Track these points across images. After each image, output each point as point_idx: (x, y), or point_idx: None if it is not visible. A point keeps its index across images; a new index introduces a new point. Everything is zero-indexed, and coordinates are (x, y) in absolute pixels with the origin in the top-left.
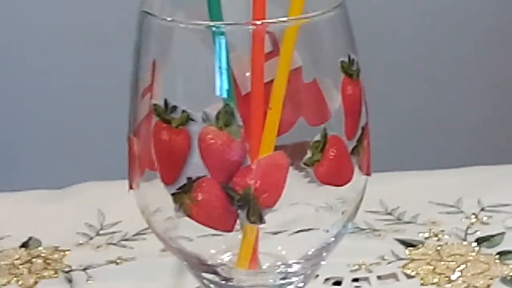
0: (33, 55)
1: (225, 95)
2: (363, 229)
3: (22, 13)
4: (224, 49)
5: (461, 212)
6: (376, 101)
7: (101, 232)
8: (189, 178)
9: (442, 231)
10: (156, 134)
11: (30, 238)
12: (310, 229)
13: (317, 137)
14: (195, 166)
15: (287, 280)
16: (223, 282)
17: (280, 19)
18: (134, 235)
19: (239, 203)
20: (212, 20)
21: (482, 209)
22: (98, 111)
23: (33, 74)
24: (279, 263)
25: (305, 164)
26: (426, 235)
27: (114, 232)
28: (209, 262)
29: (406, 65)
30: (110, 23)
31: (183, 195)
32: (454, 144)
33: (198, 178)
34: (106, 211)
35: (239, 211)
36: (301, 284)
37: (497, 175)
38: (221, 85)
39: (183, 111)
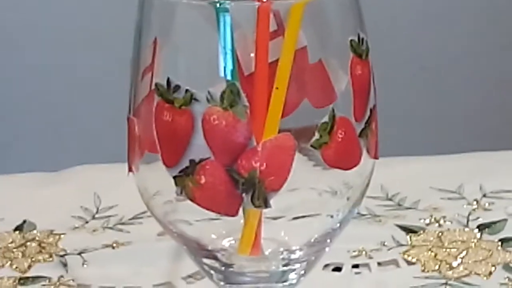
0: (23, 37)
1: (228, 76)
2: (363, 215)
3: None
4: (228, 27)
5: (463, 198)
6: (377, 87)
7: (97, 215)
8: (192, 161)
9: (444, 217)
10: (158, 114)
11: (24, 222)
12: (313, 214)
13: (325, 119)
14: (199, 148)
15: (289, 267)
16: (224, 268)
17: None
18: (130, 219)
19: (243, 186)
20: None
21: (484, 195)
22: (93, 95)
23: (24, 56)
24: (281, 249)
25: (312, 146)
26: (427, 221)
27: (110, 216)
28: (210, 247)
29: (407, 51)
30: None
31: (185, 178)
32: (455, 130)
33: (202, 160)
34: (102, 194)
35: (243, 195)
36: (302, 272)
37: (499, 161)
38: (225, 65)
39: (187, 90)
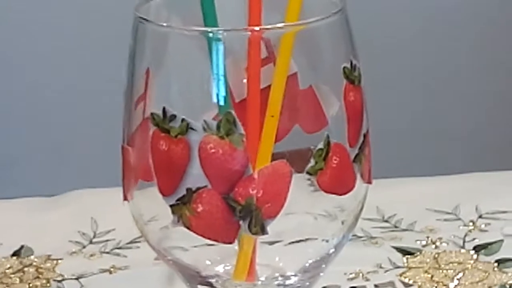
0: (27, 62)
1: (221, 102)
2: (359, 237)
3: (17, 23)
4: (220, 55)
5: (459, 219)
6: (372, 107)
7: (94, 240)
8: (188, 189)
9: (440, 238)
10: (154, 144)
11: (22, 247)
12: (308, 238)
13: (320, 145)
14: (195, 177)
15: None
16: None
17: (277, 25)
18: (127, 243)
19: (240, 214)
20: (207, 26)
21: (480, 216)
22: (92, 118)
23: (25, 79)
24: (276, 274)
25: (308, 173)
26: (424, 242)
27: (107, 240)
28: (204, 274)
29: (402, 71)
30: (105, 30)
31: (182, 207)
32: (451, 150)
33: (198, 188)
34: (99, 219)
35: (240, 222)
36: None
37: (495, 182)
38: (217, 92)
39: (183, 119)
